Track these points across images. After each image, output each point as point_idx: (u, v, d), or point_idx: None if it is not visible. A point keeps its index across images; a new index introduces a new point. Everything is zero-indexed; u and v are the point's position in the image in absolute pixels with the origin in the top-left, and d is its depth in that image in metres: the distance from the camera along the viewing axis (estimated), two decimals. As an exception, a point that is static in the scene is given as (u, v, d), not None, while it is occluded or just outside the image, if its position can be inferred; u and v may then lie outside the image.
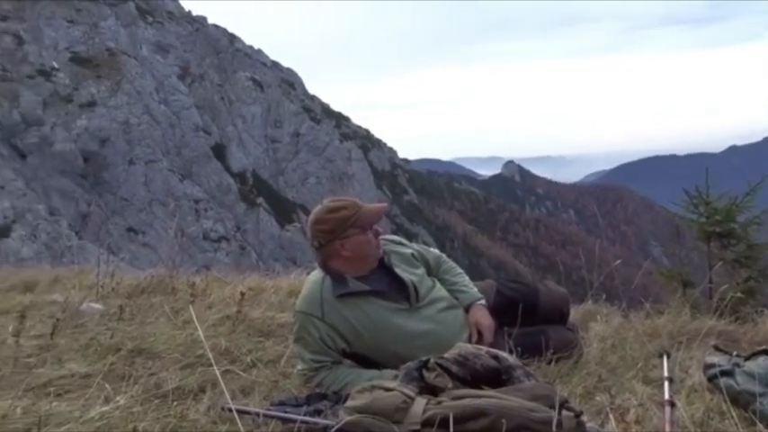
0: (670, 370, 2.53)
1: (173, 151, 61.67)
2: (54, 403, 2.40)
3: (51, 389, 2.68)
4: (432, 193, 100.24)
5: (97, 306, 4.32)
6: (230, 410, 2.31)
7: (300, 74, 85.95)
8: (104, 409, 2.30)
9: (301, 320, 2.84)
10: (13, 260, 31.42)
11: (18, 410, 2.26)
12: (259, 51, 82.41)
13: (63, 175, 52.12)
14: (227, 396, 2.37)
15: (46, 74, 59.32)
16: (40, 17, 62.86)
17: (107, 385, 2.63)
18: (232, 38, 79.95)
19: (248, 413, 2.33)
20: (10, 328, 3.64)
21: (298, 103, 79.95)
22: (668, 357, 2.62)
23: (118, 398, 2.48)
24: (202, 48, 74.71)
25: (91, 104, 58.75)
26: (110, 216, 52.58)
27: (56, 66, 60.32)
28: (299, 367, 2.88)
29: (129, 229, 52.97)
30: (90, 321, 3.95)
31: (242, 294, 4.08)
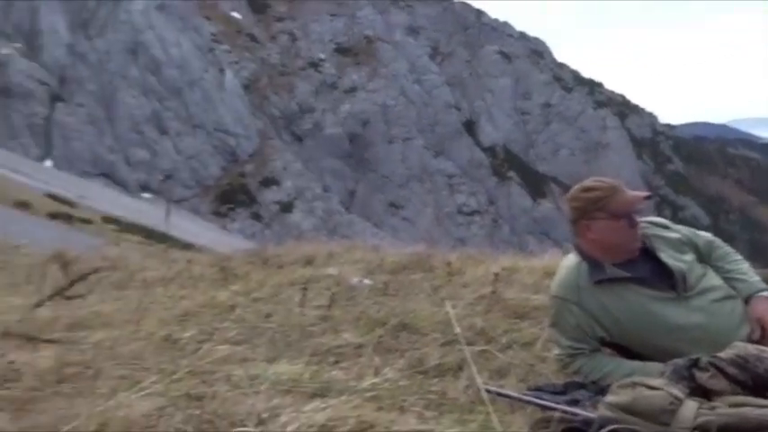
0: None
1: (426, 129, 64.27)
2: (333, 372, 2.71)
3: (330, 357, 3.01)
4: (701, 160, 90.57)
5: (366, 281, 4.74)
6: (488, 392, 2.38)
7: (548, 42, 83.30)
8: (375, 380, 2.51)
9: (557, 306, 2.80)
10: (295, 233, 35.79)
11: (306, 376, 2.59)
12: (505, 24, 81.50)
13: (333, 156, 57.61)
14: (478, 377, 2.44)
15: (315, 65, 65.62)
16: (307, 14, 69.56)
17: (376, 357, 2.88)
18: (478, 13, 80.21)
19: (506, 396, 2.37)
20: (296, 299, 4.16)
21: (547, 72, 77.70)
22: None
23: (386, 370, 2.70)
24: (450, 26, 76.21)
25: (353, 90, 63.70)
26: (373, 193, 56.89)
27: (323, 57, 66.44)
28: (556, 352, 2.84)
29: (391, 204, 56.78)
30: (360, 295, 4.35)
31: (496, 275, 4.15)
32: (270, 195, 50.67)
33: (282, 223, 47.00)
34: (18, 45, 58.57)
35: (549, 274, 4.40)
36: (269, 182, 51.69)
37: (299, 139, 58.54)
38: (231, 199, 50.81)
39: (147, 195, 51.83)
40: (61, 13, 60.40)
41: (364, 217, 52.79)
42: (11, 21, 59.62)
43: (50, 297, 3.30)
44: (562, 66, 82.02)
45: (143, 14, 60.46)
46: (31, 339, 2.89)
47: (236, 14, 68.49)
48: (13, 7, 60.25)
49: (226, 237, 39.49)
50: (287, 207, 49.25)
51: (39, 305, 3.21)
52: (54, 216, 23.56)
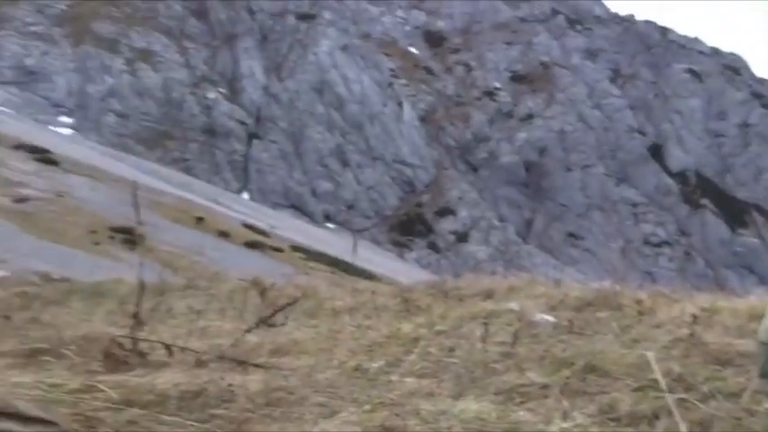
0: None
1: (607, 155, 61.52)
2: (520, 412, 2.68)
3: (516, 397, 2.98)
4: None
5: (549, 318, 4.63)
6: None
7: (746, 57, 76.53)
8: (564, 425, 2.45)
9: (766, 354, 2.55)
10: (471, 263, 35.89)
11: (493, 415, 2.60)
12: (695, 40, 76.00)
13: (509, 185, 57.14)
14: (684, 427, 2.29)
15: (490, 94, 65.86)
16: (482, 44, 70.15)
17: (564, 400, 2.80)
18: (664, 31, 75.74)
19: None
20: (478, 334, 4.17)
21: (744, 89, 71.10)
22: None
23: (575, 414, 2.62)
24: (632, 46, 72.76)
25: (529, 117, 62.92)
26: (551, 222, 55.40)
27: (498, 86, 66.53)
28: (767, 406, 2.59)
29: (570, 235, 54.85)
30: (543, 332, 4.25)
31: (694, 316, 3.87)
32: (446, 225, 51.32)
33: (458, 253, 47.31)
34: (222, 90, 65.57)
35: (756, 316, 4.01)
36: (445, 212, 52.41)
37: (474, 168, 58.83)
38: (409, 229, 52.16)
39: (330, 225, 54.94)
40: (258, 58, 66.69)
41: (542, 248, 51.48)
42: (216, 69, 66.96)
43: (257, 325, 3.64)
44: (763, 81, 74.49)
45: (329, 55, 64.81)
46: (242, 363, 3.20)
47: (413, 49, 70.98)
48: (218, 57, 67.67)
49: (403, 266, 40.56)
50: (463, 237, 49.53)
51: (248, 331, 3.55)
52: (250, 245, 25.79)
